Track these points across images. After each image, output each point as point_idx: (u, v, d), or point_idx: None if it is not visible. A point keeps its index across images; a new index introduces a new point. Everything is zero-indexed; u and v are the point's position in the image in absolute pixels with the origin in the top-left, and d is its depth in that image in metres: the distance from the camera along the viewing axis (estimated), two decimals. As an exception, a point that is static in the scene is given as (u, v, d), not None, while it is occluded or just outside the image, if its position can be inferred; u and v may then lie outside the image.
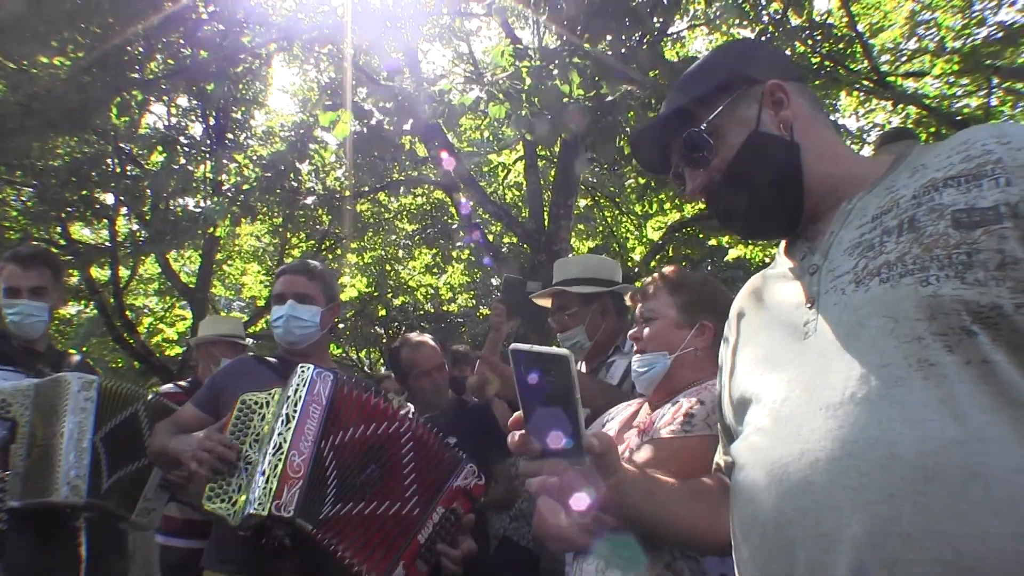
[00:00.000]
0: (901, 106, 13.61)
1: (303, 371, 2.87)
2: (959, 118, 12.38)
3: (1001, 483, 1.04)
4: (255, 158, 16.59)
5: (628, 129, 6.69)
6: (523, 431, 1.39)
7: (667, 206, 14.68)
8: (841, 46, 12.72)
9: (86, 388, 3.27)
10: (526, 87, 6.38)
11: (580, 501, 1.47)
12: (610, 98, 6.14)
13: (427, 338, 4.54)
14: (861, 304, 1.26)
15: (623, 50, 6.78)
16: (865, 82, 12.60)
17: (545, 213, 13.16)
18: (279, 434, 2.70)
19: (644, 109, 6.49)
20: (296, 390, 2.81)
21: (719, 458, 1.72)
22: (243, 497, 2.66)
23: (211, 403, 3.21)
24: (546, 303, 3.90)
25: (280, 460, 2.64)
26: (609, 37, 6.84)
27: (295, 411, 2.75)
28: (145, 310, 22.23)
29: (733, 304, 1.73)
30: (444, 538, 2.89)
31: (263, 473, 2.63)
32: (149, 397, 3.68)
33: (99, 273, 17.77)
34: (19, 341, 3.62)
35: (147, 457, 3.36)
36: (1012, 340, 1.12)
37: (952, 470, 1.06)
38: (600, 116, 6.35)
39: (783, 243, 1.62)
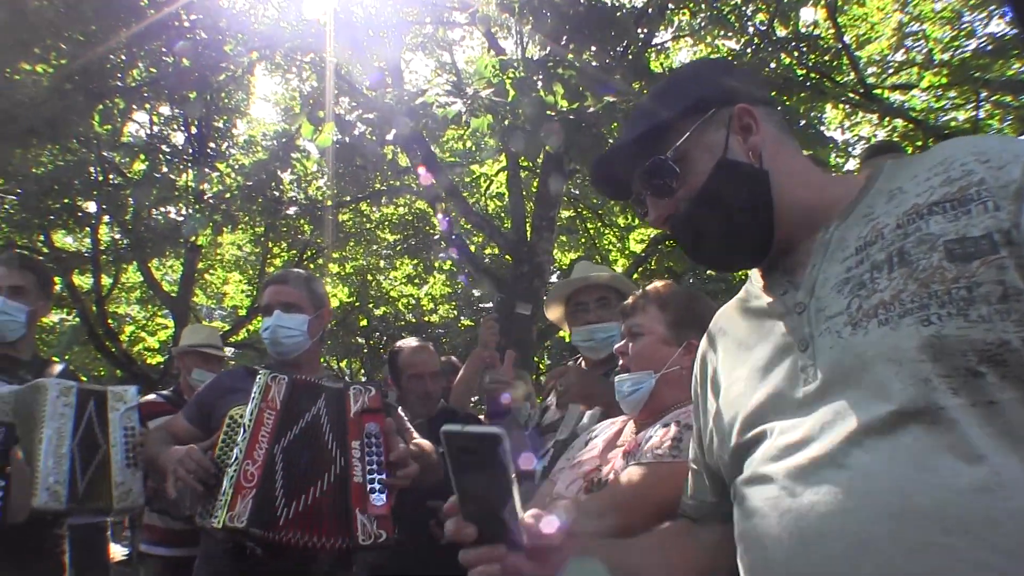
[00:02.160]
0: (887, 119, 13.61)
1: (259, 378, 2.89)
2: (947, 132, 12.37)
3: (1020, 527, 1.00)
4: (237, 167, 16.56)
5: (612, 141, 6.69)
6: (458, 516, 1.31)
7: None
8: (827, 58, 12.73)
9: (64, 394, 3.24)
10: (510, 99, 6.37)
11: (550, 524, 1.40)
12: (592, 109, 6.12)
13: (430, 346, 4.53)
14: (861, 348, 1.19)
15: (608, 61, 6.82)
16: (851, 95, 12.62)
17: (528, 224, 13.17)
18: (237, 446, 2.74)
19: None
20: (253, 398, 2.84)
21: (688, 498, 1.69)
22: None
23: (201, 419, 3.22)
24: (558, 311, 3.89)
25: (235, 471, 2.67)
26: (593, 48, 6.88)
27: (250, 420, 2.78)
28: (127, 318, 22.17)
29: (701, 345, 1.67)
30: (379, 462, 2.87)
31: (223, 487, 2.67)
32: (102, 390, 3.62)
33: (81, 281, 17.69)
34: (2, 348, 3.58)
35: (102, 448, 3.34)
36: (1022, 375, 1.06)
37: (970, 518, 1.02)
38: (584, 128, 6.33)
39: (757, 272, 1.55)
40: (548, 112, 6.25)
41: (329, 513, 2.76)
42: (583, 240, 18.86)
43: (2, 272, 3.60)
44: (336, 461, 2.84)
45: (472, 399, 4.90)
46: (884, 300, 1.18)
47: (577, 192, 17.22)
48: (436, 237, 16.86)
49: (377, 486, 2.80)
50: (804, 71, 12.36)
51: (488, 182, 18.91)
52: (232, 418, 2.90)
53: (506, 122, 6.41)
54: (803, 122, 7.72)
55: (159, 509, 4.41)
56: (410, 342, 4.57)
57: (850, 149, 15.32)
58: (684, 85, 1.56)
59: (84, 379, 3.91)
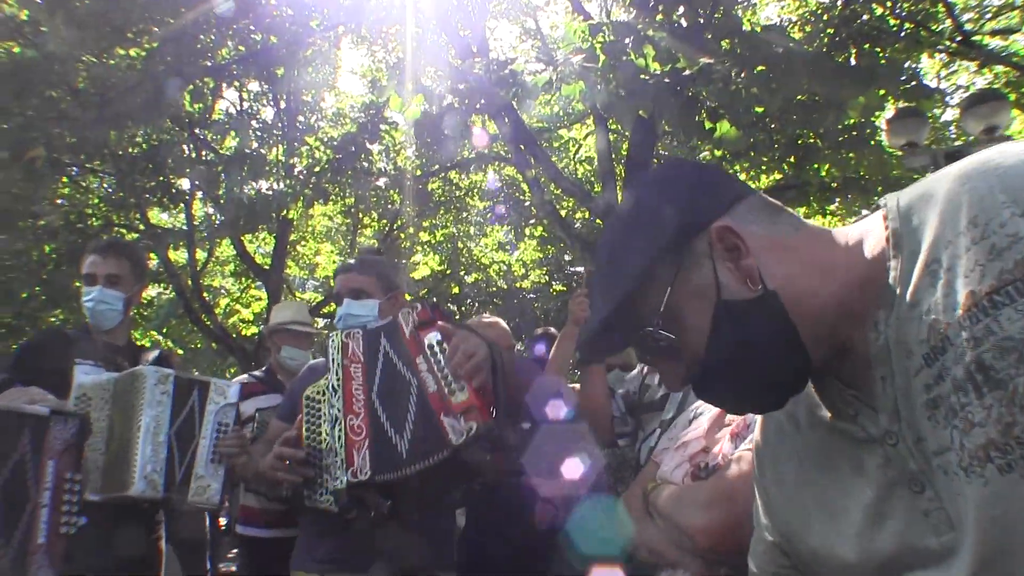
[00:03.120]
0: (987, 67, 13.07)
1: (333, 340, 2.86)
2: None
3: None
4: (326, 140, 16.69)
5: (708, 103, 6.46)
6: None
7: (743, 178, 14.34)
8: (922, 5, 12.20)
9: (162, 382, 3.23)
10: (600, 64, 6.20)
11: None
12: (688, 72, 5.91)
13: (501, 322, 4.43)
14: (987, 502, 0.98)
15: (698, 21, 6.61)
16: (948, 43, 12.14)
17: (618, 188, 12.95)
18: (332, 407, 2.71)
19: (725, 83, 6.22)
20: (333, 360, 2.80)
21: None
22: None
23: (294, 414, 3.18)
24: None
25: (340, 430, 2.64)
26: (682, 8, 6.67)
27: (338, 379, 2.75)
28: (222, 291, 22.65)
29: (758, 438, 1.43)
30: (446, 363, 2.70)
31: (332, 450, 2.64)
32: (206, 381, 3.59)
33: (177, 256, 18.11)
34: (98, 335, 3.63)
35: (196, 439, 3.31)
36: None
37: None
38: (678, 92, 6.12)
39: None
40: (642, 76, 6.06)
41: (425, 435, 2.64)
42: (673, 202, 18.50)
43: (98, 260, 3.64)
44: (411, 384, 2.72)
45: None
46: (993, 439, 0.96)
47: (666, 153, 16.91)
48: (527, 203, 16.78)
49: (455, 386, 2.64)
50: (897, 21, 11.88)
51: (576, 146, 18.72)
52: (309, 398, 2.88)
53: (598, 87, 6.23)
54: (903, 76, 7.35)
55: (255, 489, 4.44)
56: (480, 319, 4.54)
57: (947, 99, 14.74)
58: (642, 226, 1.25)
59: (180, 352, 3.93)
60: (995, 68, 12.98)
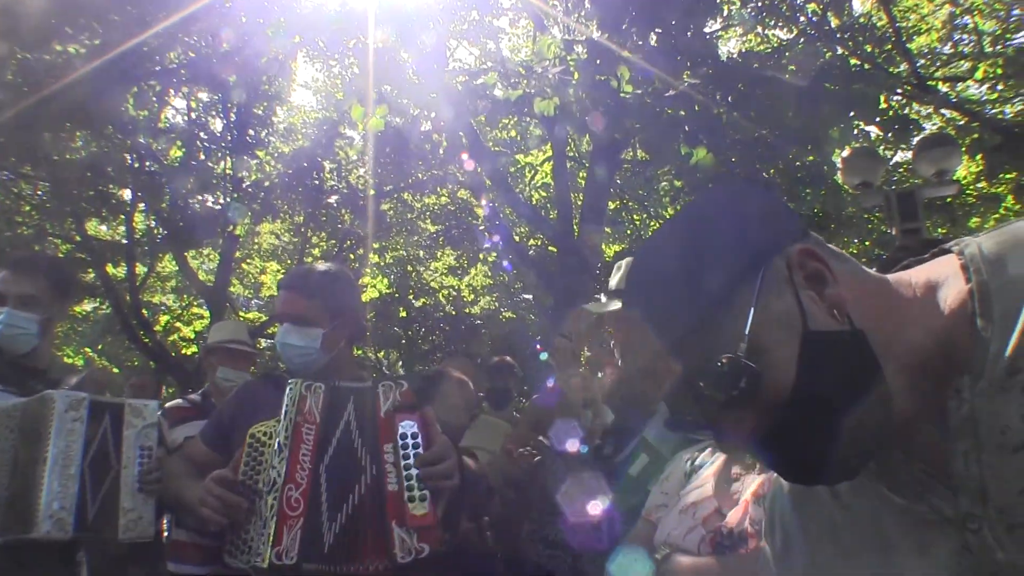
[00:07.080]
0: (937, 111, 13.47)
1: (291, 388, 2.51)
2: (1005, 124, 12.19)
3: None
4: (276, 155, 16.35)
5: (687, 128, 6.22)
6: None
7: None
8: (888, 48, 12.47)
9: (74, 408, 2.85)
10: (575, 80, 5.97)
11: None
12: (670, 93, 5.69)
13: (468, 382, 4.16)
14: None
15: (672, 43, 6.43)
16: (906, 86, 12.38)
17: (574, 216, 12.80)
18: (274, 468, 2.40)
19: (707, 107, 6.00)
20: (286, 412, 2.47)
21: None
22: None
23: (221, 441, 2.85)
24: None
25: (275, 499, 2.35)
26: (658, 30, 6.49)
27: (286, 438, 2.42)
28: (162, 308, 22.10)
29: (781, 506, 1.28)
30: (414, 463, 2.48)
31: (261, 517, 2.36)
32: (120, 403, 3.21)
33: (116, 271, 17.56)
34: (11, 357, 3.23)
35: (114, 469, 2.97)
36: None
37: None
38: (659, 113, 5.89)
39: None
40: (623, 95, 5.84)
41: (365, 532, 2.41)
42: (629, 232, 18.50)
43: (8, 278, 3.23)
44: (367, 471, 2.47)
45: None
46: None
47: (620, 182, 16.83)
48: (480, 228, 16.60)
49: (417, 493, 2.41)
50: (858, 61, 12.08)
51: (533, 172, 18.62)
52: (254, 436, 2.54)
53: (573, 107, 6.00)
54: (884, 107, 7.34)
55: (186, 524, 4.07)
56: (450, 372, 4.19)
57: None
58: (708, 249, 1.05)
59: (117, 370, 3.58)
60: (943, 113, 13.38)
